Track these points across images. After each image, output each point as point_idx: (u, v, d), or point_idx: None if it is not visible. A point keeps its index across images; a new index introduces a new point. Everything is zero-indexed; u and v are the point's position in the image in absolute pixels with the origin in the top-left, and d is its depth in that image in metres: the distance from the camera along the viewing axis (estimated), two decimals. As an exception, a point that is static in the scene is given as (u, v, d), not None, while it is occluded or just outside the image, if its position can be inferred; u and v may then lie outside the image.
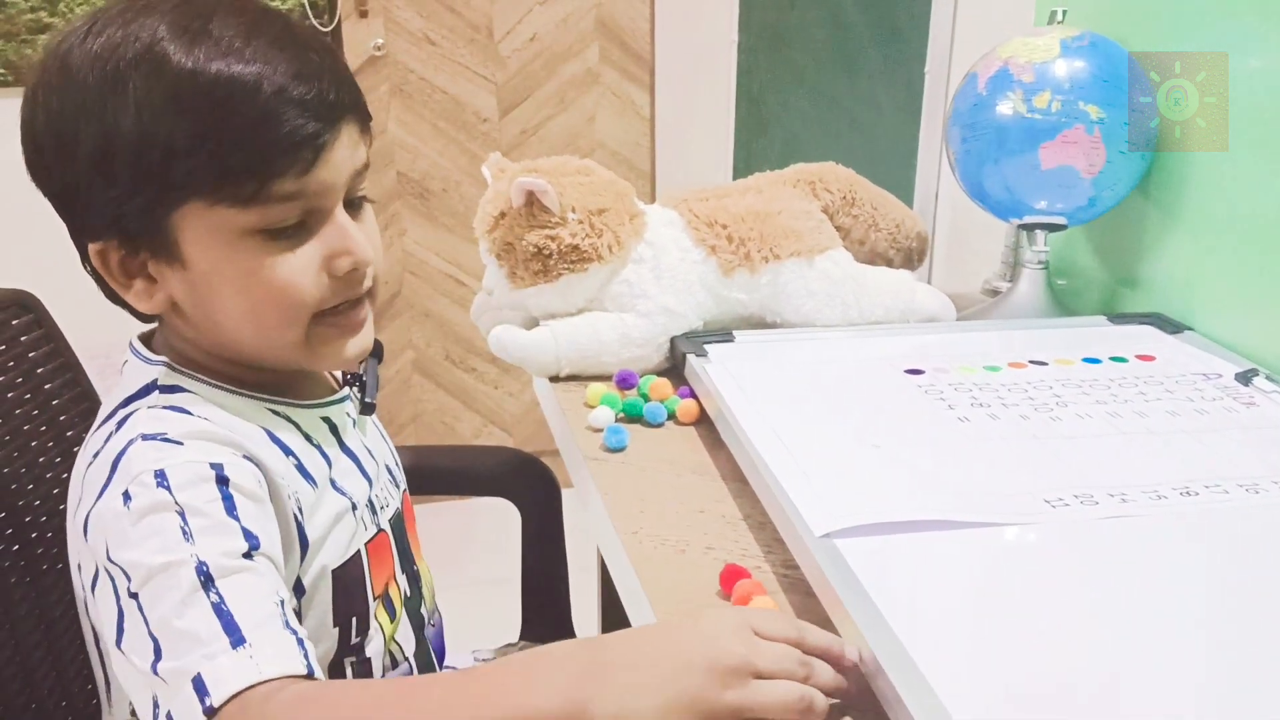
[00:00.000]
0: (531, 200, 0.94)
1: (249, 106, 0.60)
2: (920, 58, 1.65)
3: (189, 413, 0.65)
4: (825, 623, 0.59)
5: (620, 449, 0.84)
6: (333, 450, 0.74)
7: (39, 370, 0.86)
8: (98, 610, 0.61)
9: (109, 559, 0.59)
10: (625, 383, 0.92)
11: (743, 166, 2.23)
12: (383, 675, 0.78)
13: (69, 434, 0.88)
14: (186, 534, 0.58)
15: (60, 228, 0.66)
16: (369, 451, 0.79)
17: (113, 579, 0.59)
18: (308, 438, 0.72)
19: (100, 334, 1.16)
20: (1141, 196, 1.08)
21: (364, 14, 2.13)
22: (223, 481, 0.61)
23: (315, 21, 2.07)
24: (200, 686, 0.54)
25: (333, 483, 0.72)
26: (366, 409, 0.79)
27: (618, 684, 0.50)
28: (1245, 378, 0.88)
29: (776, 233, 1.00)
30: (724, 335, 0.98)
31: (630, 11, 2.27)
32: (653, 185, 2.37)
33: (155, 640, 0.56)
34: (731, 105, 2.23)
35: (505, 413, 2.49)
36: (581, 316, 0.97)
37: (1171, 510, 0.68)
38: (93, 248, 0.64)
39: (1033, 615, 0.58)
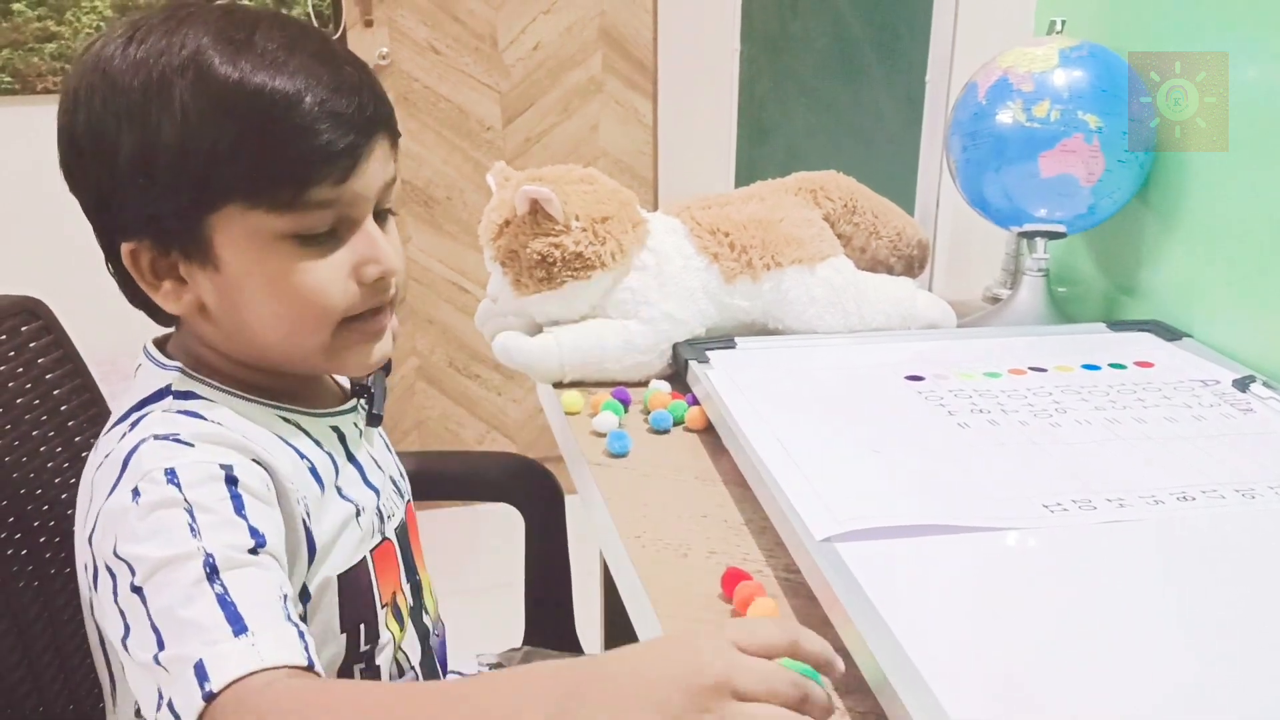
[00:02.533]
0: (536, 208, 0.95)
1: (292, 116, 0.62)
2: (921, 67, 1.65)
3: (202, 417, 0.66)
4: (825, 626, 0.60)
5: (623, 454, 0.84)
6: (340, 458, 0.75)
7: (48, 376, 0.87)
8: (103, 610, 0.62)
9: (115, 553, 0.59)
10: (623, 400, 0.92)
11: (745, 174, 2.24)
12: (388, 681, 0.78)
13: (77, 439, 0.88)
14: (194, 530, 0.59)
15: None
16: (375, 462, 0.80)
17: (114, 576, 0.59)
18: (317, 444, 0.73)
19: (108, 341, 1.17)
20: (1140, 204, 1.09)
21: (369, 23, 2.14)
22: (232, 481, 0.62)
23: (320, 30, 2.08)
24: (201, 672, 0.54)
25: (338, 490, 0.73)
26: (374, 420, 0.80)
27: (597, 705, 0.48)
28: (1243, 384, 0.88)
29: (778, 240, 1.01)
30: (726, 342, 0.98)
31: (633, 20, 2.28)
32: (655, 193, 2.38)
33: (158, 631, 0.57)
34: (734, 113, 2.24)
35: (509, 419, 2.50)
36: (585, 323, 0.98)
37: (1169, 515, 0.68)
38: (125, 247, 0.65)
39: (1032, 619, 0.59)
